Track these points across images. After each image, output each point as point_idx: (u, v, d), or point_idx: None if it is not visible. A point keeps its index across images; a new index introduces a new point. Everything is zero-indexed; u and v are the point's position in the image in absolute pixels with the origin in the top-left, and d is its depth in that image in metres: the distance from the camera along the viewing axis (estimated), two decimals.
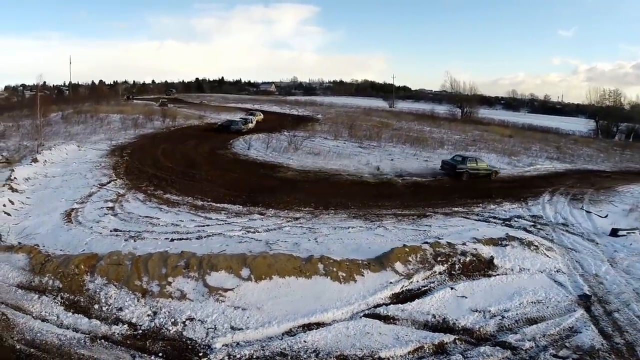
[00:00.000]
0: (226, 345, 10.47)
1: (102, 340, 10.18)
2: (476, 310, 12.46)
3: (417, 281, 13.61)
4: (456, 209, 21.98)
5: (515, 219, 20.61)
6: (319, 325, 11.34)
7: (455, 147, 37.84)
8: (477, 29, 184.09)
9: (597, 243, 18.30)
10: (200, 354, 10.04)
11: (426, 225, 19.10)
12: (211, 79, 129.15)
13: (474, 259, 14.90)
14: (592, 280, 14.86)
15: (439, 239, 16.03)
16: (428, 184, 27.41)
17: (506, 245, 16.04)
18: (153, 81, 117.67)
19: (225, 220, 18.97)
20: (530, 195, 24.96)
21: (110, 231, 17.03)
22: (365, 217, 20.06)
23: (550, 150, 40.93)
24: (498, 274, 14.60)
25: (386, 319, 11.70)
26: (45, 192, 22.30)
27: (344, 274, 13.04)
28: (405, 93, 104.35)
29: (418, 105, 74.90)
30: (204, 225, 18.23)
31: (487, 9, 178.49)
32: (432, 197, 23.92)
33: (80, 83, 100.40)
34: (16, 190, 21.64)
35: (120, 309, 11.27)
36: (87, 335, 10.30)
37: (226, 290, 12.21)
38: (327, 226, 18.50)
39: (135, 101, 68.54)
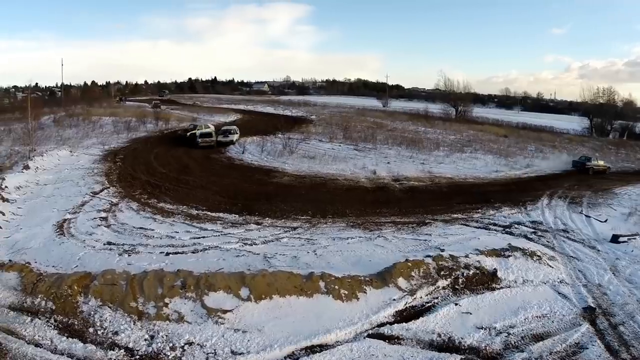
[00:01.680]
0: None
1: None
2: (481, 327, 12.21)
3: (421, 297, 13.34)
4: (455, 215, 21.73)
5: (516, 226, 20.37)
6: (321, 347, 11.05)
7: (451, 149, 37.65)
8: (470, 28, 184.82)
9: (599, 250, 18.10)
10: None
11: (426, 234, 18.81)
12: (204, 79, 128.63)
13: (478, 272, 14.64)
14: (595, 290, 14.65)
15: (441, 250, 15.78)
16: (425, 188, 27.14)
17: (509, 256, 15.81)
18: (146, 82, 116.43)
19: (222, 231, 18.61)
20: (529, 200, 24.75)
21: (104, 244, 16.66)
22: (364, 226, 19.74)
23: (547, 151, 40.84)
24: (502, 287, 14.35)
25: (391, 339, 11.42)
26: (37, 201, 21.89)
27: (346, 292, 12.75)
28: (398, 92, 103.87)
29: (412, 105, 74.59)
30: (199, 237, 17.86)
31: (480, 7, 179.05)
32: (429, 203, 23.63)
33: (72, 84, 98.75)
34: (7, 200, 21.18)
35: (116, 333, 10.86)
36: None
37: (225, 311, 11.87)
38: (325, 237, 18.17)
39: (127, 103, 67.57)
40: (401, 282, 13.54)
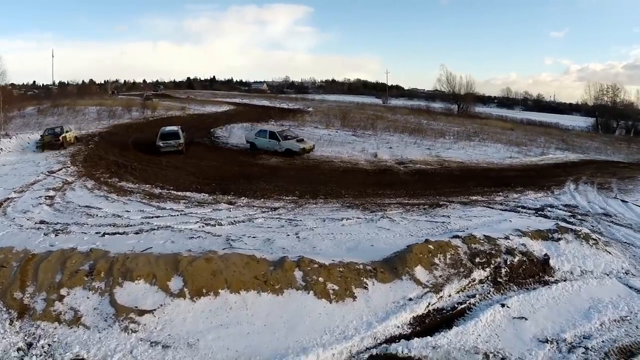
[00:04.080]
0: None
1: None
2: (546, 340, 7.53)
3: (450, 295, 8.44)
4: (474, 197, 16.78)
5: (549, 209, 15.44)
6: None
7: (457, 138, 32.69)
8: (469, 30, 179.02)
9: None
10: None
11: (443, 215, 13.95)
12: (202, 79, 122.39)
13: (524, 259, 9.76)
14: None
15: (470, 232, 10.80)
16: (434, 171, 22.15)
17: (559, 239, 10.98)
18: (144, 80, 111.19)
19: (182, 211, 14.08)
20: (554, 184, 19.80)
21: (35, 223, 12.87)
22: (364, 206, 14.89)
23: (557, 142, 35.94)
24: (557, 280, 9.55)
25: None
26: None
27: (336, 287, 7.84)
28: (398, 91, 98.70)
29: (412, 103, 69.88)
30: (152, 217, 13.50)
31: (480, 11, 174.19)
32: (441, 186, 18.70)
33: (70, 82, 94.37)
34: None
35: None
36: None
37: (142, 312, 7.17)
38: (313, 218, 13.36)
39: (120, 96, 62.94)
40: (420, 272, 8.62)
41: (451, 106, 59.72)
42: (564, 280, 9.62)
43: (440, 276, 8.70)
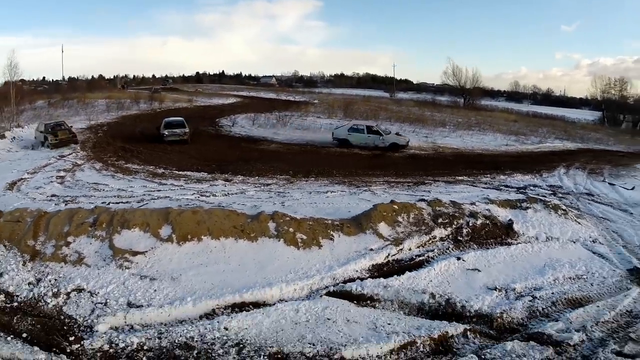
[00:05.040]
0: (114, 328, 6.67)
1: None
2: (495, 288, 8.31)
3: (410, 249, 9.35)
4: (460, 178, 17.61)
5: (531, 188, 16.21)
6: (256, 305, 7.16)
7: (457, 127, 33.35)
8: (480, 24, 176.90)
9: (632, 213, 13.93)
10: (73, 339, 6.48)
11: (424, 190, 14.84)
12: (211, 73, 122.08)
13: (487, 222, 10.62)
14: (639, 252, 10.64)
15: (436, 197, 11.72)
16: (427, 156, 23.00)
17: (527, 208, 11.79)
18: (154, 75, 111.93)
19: (182, 186, 15.21)
20: (544, 169, 20.48)
21: (47, 197, 13.88)
22: (351, 183, 15.87)
23: (559, 133, 36.29)
24: (520, 243, 10.34)
25: (360, 299, 7.53)
26: (2, 164, 19.29)
27: (304, 237, 8.86)
28: (407, 85, 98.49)
29: (419, 96, 70.17)
30: (154, 191, 14.63)
31: (490, 5, 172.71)
32: (432, 168, 19.57)
33: (79, 77, 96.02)
34: None
35: (0, 275, 8.07)
36: None
37: (135, 253, 8.32)
38: (301, 191, 14.37)
39: (129, 90, 64.28)
40: (383, 228, 9.57)
41: (458, 99, 59.90)
42: (527, 243, 10.42)
43: (402, 232, 9.60)
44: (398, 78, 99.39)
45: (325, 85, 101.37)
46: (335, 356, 5.98)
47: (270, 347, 6.09)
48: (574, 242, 10.76)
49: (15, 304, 7.38)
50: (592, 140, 35.05)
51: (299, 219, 9.30)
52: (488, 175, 18.37)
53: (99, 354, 6.12)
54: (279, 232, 8.86)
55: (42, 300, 7.42)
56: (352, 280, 8.08)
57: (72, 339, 6.43)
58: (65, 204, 12.83)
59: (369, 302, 7.47)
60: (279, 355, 5.95)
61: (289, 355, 5.98)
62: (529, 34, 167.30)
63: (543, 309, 7.83)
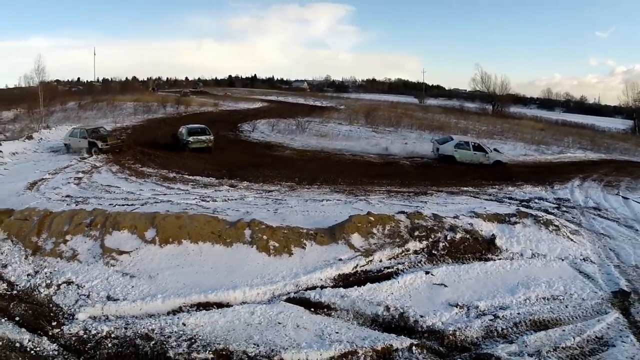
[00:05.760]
0: (92, 317, 7.64)
1: None
2: (456, 305, 8.45)
3: (380, 260, 9.69)
4: (465, 188, 17.64)
5: (536, 201, 16.03)
6: (220, 306, 7.79)
7: (478, 135, 33.03)
8: (512, 30, 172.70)
9: (637, 230, 13.62)
10: (55, 324, 7.55)
11: (421, 201, 15.00)
12: (244, 77, 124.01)
13: (467, 236, 10.80)
14: (631, 273, 10.46)
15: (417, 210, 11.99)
16: (439, 165, 23.08)
17: (515, 222, 11.84)
18: (186, 78, 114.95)
19: (188, 190, 15.92)
20: (558, 180, 20.15)
21: (62, 197, 14.75)
22: (351, 192, 16.22)
23: (584, 142, 35.30)
24: (500, 259, 10.45)
25: (318, 307, 7.98)
26: (26, 164, 20.53)
27: (277, 244, 9.42)
28: (438, 91, 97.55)
29: (449, 102, 69.36)
30: (160, 194, 15.34)
31: (524, 10, 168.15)
32: (440, 177, 19.62)
33: (112, 78, 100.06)
34: None
35: (5, 266, 9.33)
36: None
37: (122, 252, 9.31)
38: (298, 199, 14.85)
39: (159, 93, 66.45)
40: (356, 239, 9.97)
41: (486, 106, 58.99)
42: (508, 260, 10.45)
43: (375, 244, 9.93)
44: (430, 84, 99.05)
45: (357, 90, 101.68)
46: (275, 358, 6.46)
47: (218, 344, 6.70)
48: (561, 260, 10.69)
49: (15, 292, 8.47)
50: (618, 150, 33.93)
51: (275, 227, 9.83)
52: (496, 187, 18.32)
53: (74, 338, 7.06)
54: (253, 239, 9.45)
55: (37, 290, 8.48)
56: (314, 287, 8.51)
57: (54, 324, 7.43)
58: (76, 205, 13.63)
59: (325, 310, 7.88)
60: (224, 352, 6.53)
61: (233, 353, 6.54)
62: (562, 40, 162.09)
63: (503, 329, 7.90)
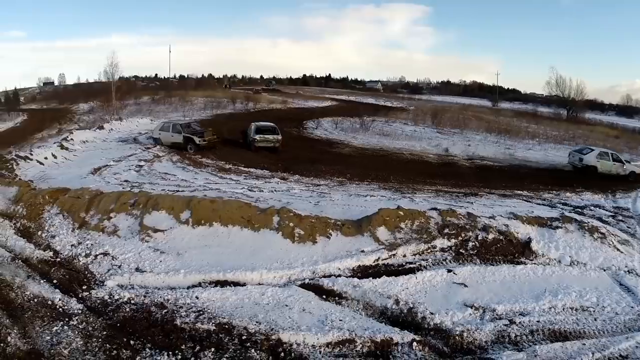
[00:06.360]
0: (119, 285, 8.42)
1: (19, 261, 9.31)
2: (472, 306, 8.15)
3: (404, 255, 9.60)
4: (519, 192, 16.81)
5: (591, 208, 14.85)
6: (236, 284, 8.21)
7: (547, 140, 30.97)
8: (593, 32, 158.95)
9: None
10: (85, 288, 8.38)
11: (467, 202, 14.51)
12: (318, 76, 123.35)
13: (501, 237, 10.34)
14: None
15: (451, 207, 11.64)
16: (498, 168, 22.01)
17: (557, 227, 11.07)
18: (261, 76, 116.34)
19: (239, 181, 16.61)
20: (622, 189, 18.47)
21: (120, 182, 15.90)
22: (399, 189, 16.09)
23: None
24: (534, 264, 9.88)
25: (328, 294, 8.12)
26: (94, 152, 21.96)
27: (302, 232, 9.66)
28: (514, 95, 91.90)
29: (524, 106, 65.25)
30: (212, 183, 16.09)
31: (604, 12, 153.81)
32: (497, 180, 18.82)
33: (189, 75, 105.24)
34: (66, 148, 21.69)
35: (54, 237, 10.31)
36: (13, 255, 9.49)
37: (157, 230, 10.06)
38: (343, 193, 14.98)
39: (232, 90, 68.83)
40: (382, 232, 9.94)
41: (561, 111, 54.85)
42: (542, 265, 9.84)
43: (401, 238, 9.83)
44: (506, 87, 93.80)
45: (431, 92, 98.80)
46: (273, 337, 6.72)
47: (222, 318, 7.13)
48: (602, 270, 9.91)
49: (58, 259, 9.47)
50: None
51: (303, 215, 10.11)
52: (553, 192, 17.24)
53: (98, 301, 7.84)
54: (280, 225, 9.80)
55: (77, 258, 9.44)
56: (330, 276, 8.67)
57: (84, 288, 8.31)
58: (131, 189, 14.33)
59: (336, 298, 8.01)
60: (226, 326, 6.92)
61: (235, 327, 6.91)
62: None
63: (516, 336, 7.51)
